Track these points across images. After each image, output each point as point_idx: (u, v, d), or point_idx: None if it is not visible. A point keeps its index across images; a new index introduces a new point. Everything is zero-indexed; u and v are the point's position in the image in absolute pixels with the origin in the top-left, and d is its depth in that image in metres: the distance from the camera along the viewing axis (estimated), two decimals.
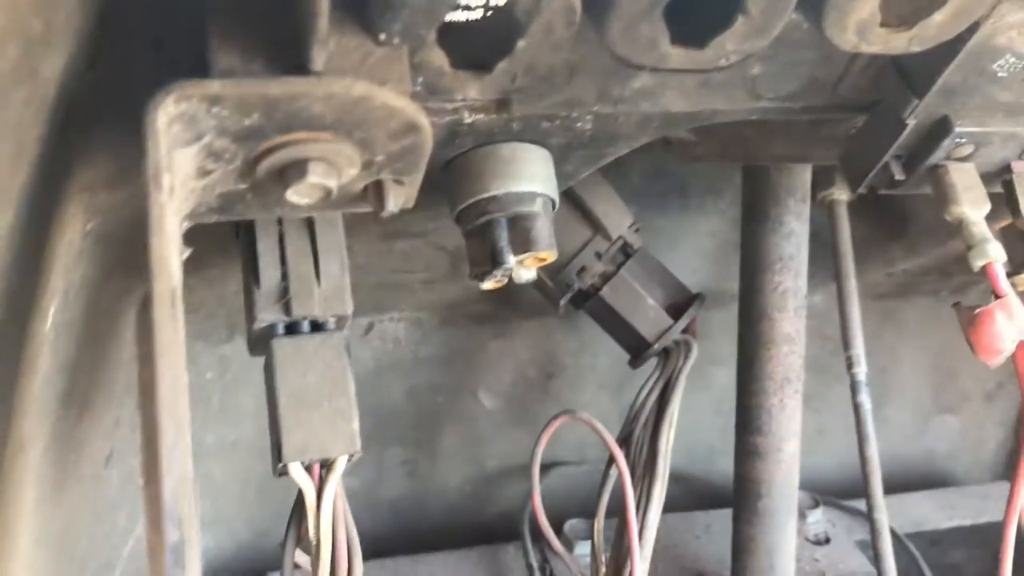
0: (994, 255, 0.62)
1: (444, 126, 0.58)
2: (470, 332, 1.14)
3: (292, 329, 0.61)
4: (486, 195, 0.61)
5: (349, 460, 0.61)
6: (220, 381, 1.01)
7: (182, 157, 0.42)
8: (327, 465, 0.61)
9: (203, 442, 1.02)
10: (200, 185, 0.45)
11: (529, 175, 0.62)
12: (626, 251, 0.94)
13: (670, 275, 0.97)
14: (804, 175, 0.88)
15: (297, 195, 0.45)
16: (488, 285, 0.66)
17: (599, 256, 0.92)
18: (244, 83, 0.39)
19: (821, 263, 1.07)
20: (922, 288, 1.26)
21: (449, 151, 0.61)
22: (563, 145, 0.64)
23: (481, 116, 0.58)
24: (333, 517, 0.61)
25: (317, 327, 0.61)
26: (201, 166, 0.44)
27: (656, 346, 0.94)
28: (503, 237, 0.62)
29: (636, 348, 0.96)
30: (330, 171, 0.45)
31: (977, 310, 0.64)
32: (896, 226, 1.11)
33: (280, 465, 0.60)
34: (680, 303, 0.95)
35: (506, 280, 0.65)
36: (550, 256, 0.64)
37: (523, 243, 0.62)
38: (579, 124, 0.61)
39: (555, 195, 0.64)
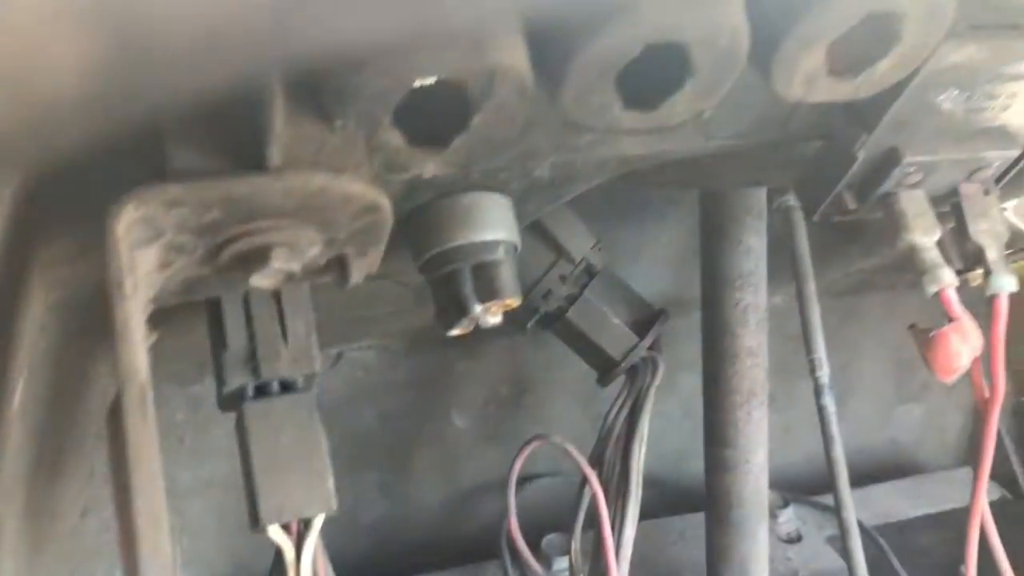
0: (947, 281, 0.64)
1: (403, 183, 0.58)
2: (439, 355, 1.14)
3: (261, 390, 0.61)
4: (449, 246, 0.62)
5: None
6: (192, 420, 1.01)
7: (143, 255, 0.42)
8: (305, 523, 0.61)
9: (178, 481, 1.02)
10: (163, 275, 0.45)
11: (490, 223, 0.63)
12: (590, 272, 0.95)
13: (634, 293, 0.98)
14: (760, 193, 0.89)
15: (260, 280, 0.45)
16: (455, 332, 0.66)
17: (563, 279, 0.93)
18: (202, 185, 0.39)
19: (779, 266, 1.08)
20: (879, 284, 1.28)
21: (409, 204, 0.62)
22: (522, 190, 0.64)
23: (440, 172, 0.59)
24: (313, 574, 0.61)
25: (286, 387, 0.61)
26: (163, 259, 0.44)
27: (623, 364, 0.95)
28: (468, 286, 0.63)
29: (604, 367, 0.97)
30: (292, 255, 0.45)
31: (932, 333, 0.66)
32: (851, 229, 1.13)
33: (258, 527, 0.60)
34: (645, 320, 0.97)
35: (473, 326, 0.66)
36: (515, 302, 0.65)
37: (488, 292, 0.63)
38: (537, 172, 0.62)
39: (517, 239, 0.65)
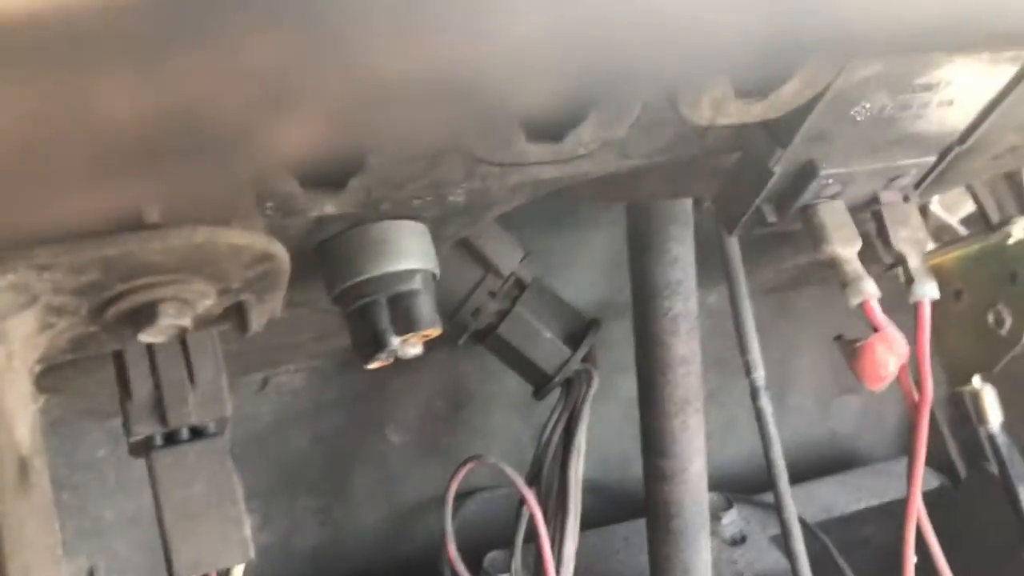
0: (869, 292, 0.64)
1: (308, 218, 0.56)
2: (371, 373, 1.11)
3: (171, 438, 0.59)
4: (361, 278, 0.60)
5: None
6: (113, 455, 0.97)
7: (19, 321, 0.39)
8: (223, 574, 0.59)
9: (103, 519, 0.98)
10: (45, 337, 0.43)
11: (405, 252, 0.61)
12: (519, 285, 0.93)
13: (565, 304, 0.97)
14: (684, 202, 0.89)
15: (151, 336, 0.43)
16: (374, 365, 0.64)
17: (492, 295, 0.92)
18: (72, 247, 0.37)
19: (713, 264, 1.08)
20: (812, 278, 1.29)
21: (318, 236, 0.60)
22: (438, 216, 0.63)
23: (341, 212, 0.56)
24: None
25: (197, 433, 0.59)
26: (43, 322, 0.41)
27: (557, 378, 0.94)
28: (384, 319, 0.61)
29: (538, 381, 0.96)
30: (183, 309, 0.43)
31: (857, 344, 0.66)
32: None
33: None
34: (577, 331, 0.96)
35: (393, 358, 0.64)
36: (435, 332, 0.63)
37: (405, 324, 0.61)
38: (451, 199, 0.60)
39: (435, 267, 0.63)
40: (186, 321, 0.43)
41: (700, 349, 0.93)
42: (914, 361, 0.72)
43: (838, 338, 0.68)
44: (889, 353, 0.65)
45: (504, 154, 0.46)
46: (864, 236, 0.68)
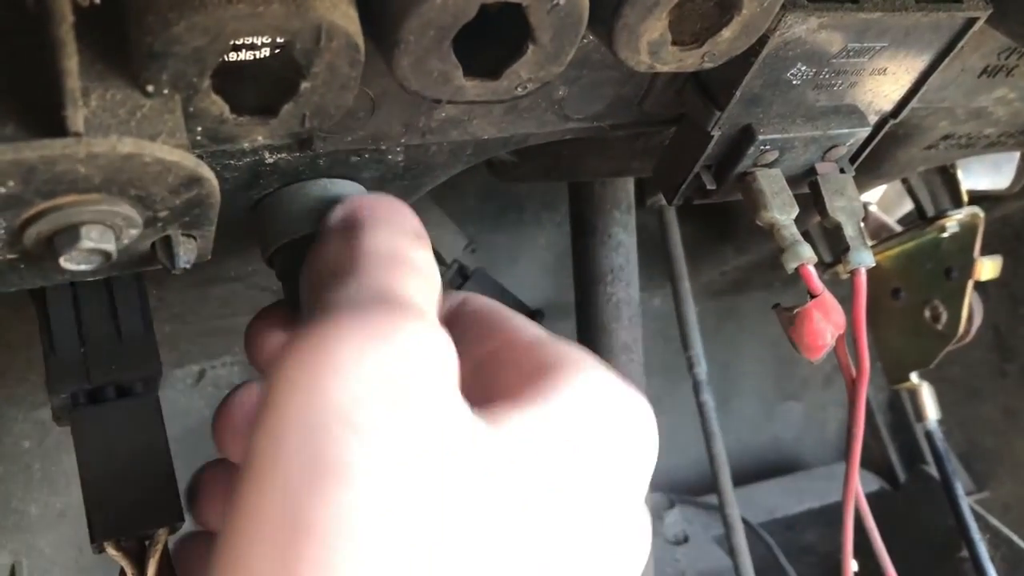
0: (806, 256, 0.64)
1: (244, 167, 0.55)
2: None
3: (96, 397, 0.57)
4: (292, 237, 0.59)
5: (173, 531, 0.57)
6: (39, 448, 0.94)
7: None
8: (149, 538, 0.57)
9: (27, 515, 0.94)
10: None
11: None
12: (463, 273, 0.93)
13: (509, 294, 0.97)
14: (627, 186, 0.89)
15: (72, 262, 0.41)
16: None
17: None
18: None
19: (657, 267, 1.09)
20: (755, 282, 1.31)
21: (254, 192, 0.59)
22: (377, 178, 0.62)
23: (284, 155, 0.56)
24: None
25: (124, 392, 0.57)
26: None
27: None
28: None
29: None
30: (106, 233, 0.41)
31: (795, 311, 0.66)
32: (724, 226, 1.15)
33: (95, 545, 0.55)
34: None
35: None
36: None
37: None
38: (390, 156, 0.59)
39: None
40: (110, 246, 0.41)
41: (642, 338, 0.93)
42: (851, 336, 0.72)
43: (776, 306, 0.68)
44: (826, 321, 0.65)
45: (440, 89, 0.46)
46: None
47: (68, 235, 0.41)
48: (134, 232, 0.43)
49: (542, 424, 0.41)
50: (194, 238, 0.46)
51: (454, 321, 0.51)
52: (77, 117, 0.37)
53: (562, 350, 0.46)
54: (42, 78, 0.38)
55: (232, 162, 0.54)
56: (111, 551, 0.55)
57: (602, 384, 0.43)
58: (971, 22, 0.59)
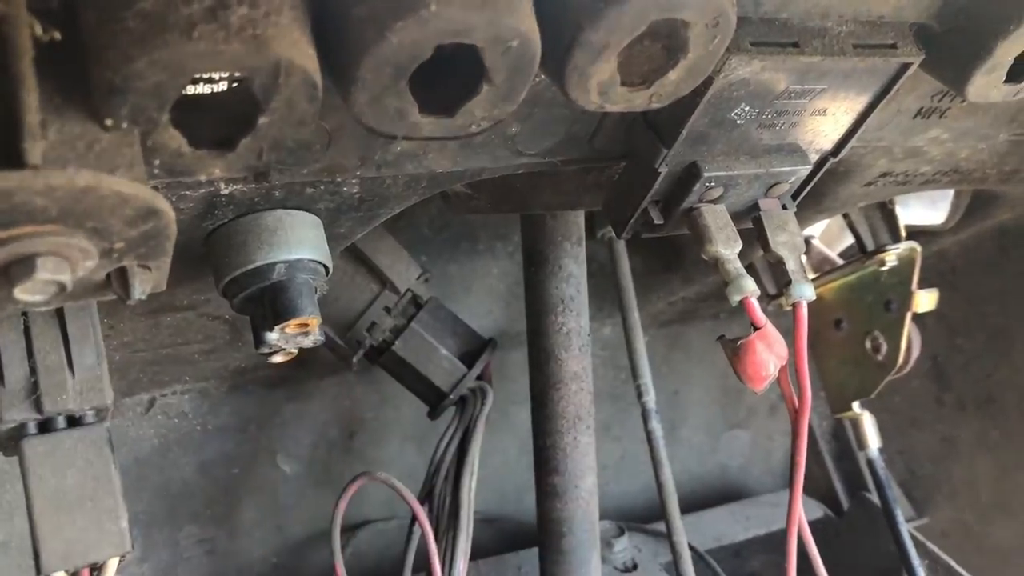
0: (749, 289, 0.66)
1: (200, 198, 0.56)
2: (262, 397, 1.10)
3: (46, 427, 0.56)
4: (250, 267, 0.59)
5: (122, 560, 0.57)
6: None
7: None
8: (97, 569, 0.56)
9: None
10: None
11: (292, 242, 0.60)
12: (416, 303, 0.94)
13: (462, 323, 0.98)
14: (578, 219, 0.91)
15: (27, 293, 0.42)
16: (278, 359, 0.63)
17: (388, 311, 0.92)
18: None
19: (607, 297, 1.10)
20: (702, 313, 1.33)
21: (209, 223, 0.59)
22: (332, 209, 0.63)
23: (239, 187, 0.56)
24: None
25: (74, 422, 0.57)
26: None
27: (452, 395, 0.94)
28: (260, 311, 0.60)
29: (433, 399, 0.95)
30: (62, 265, 0.42)
31: (739, 342, 0.68)
32: (672, 258, 1.17)
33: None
34: (473, 350, 0.96)
35: (294, 351, 0.63)
36: (313, 320, 0.61)
37: (275, 314, 0.60)
38: (345, 188, 0.60)
39: (324, 258, 0.63)
40: (65, 277, 0.42)
41: (591, 367, 0.95)
42: (793, 367, 0.74)
43: (721, 338, 0.70)
44: (769, 352, 0.67)
45: (396, 126, 0.47)
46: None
47: (24, 266, 0.41)
48: (90, 264, 0.43)
49: None
50: (149, 269, 0.46)
51: None
52: (35, 150, 0.38)
53: None
54: (1, 111, 0.38)
55: (188, 192, 0.54)
56: None
57: None
58: (905, 67, 0.61)
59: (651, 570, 1.18)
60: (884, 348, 1.10)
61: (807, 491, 1.05)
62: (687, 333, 1.39)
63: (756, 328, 0.67)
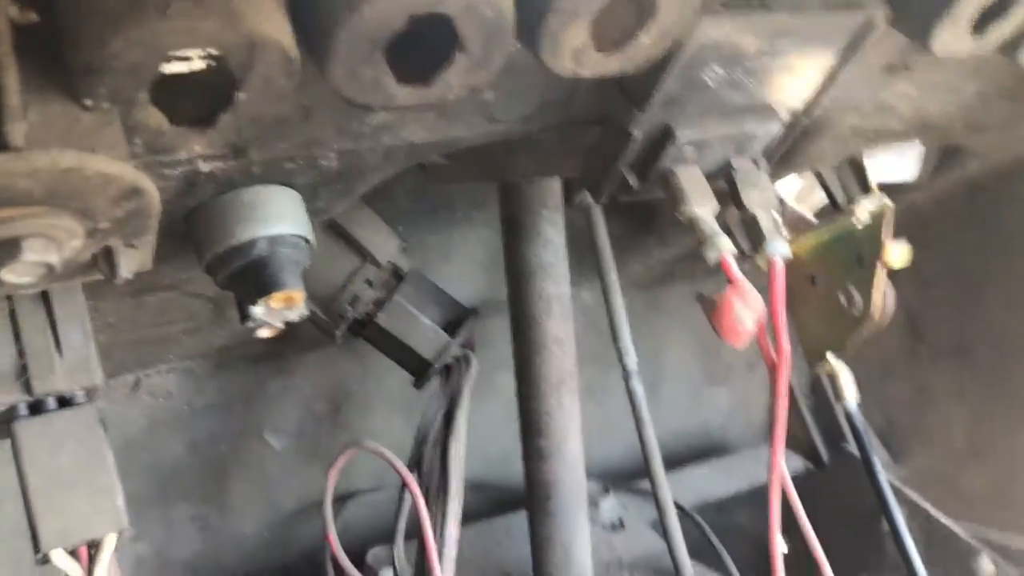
0: (725, 247, 0.67)
1: (180, 177, 0.56)
2: (248, 374, 1.10)
3: (37, 408, 0.57)
4: (233, 242, 0.60)
5: (119, 537, 0.58)
6: None
7: None
8: (95, 545, 0.57)
9: None
10: None
11: (271, 216, 0.60)
12: (397, 274, 0.94)
13: (443, 293, 0.98)
14: (555, 186, 0.92)
15: (14, 275, 0.42)
16: (264, 333, 0.64)
17: (370, 283, 0.92)
18: None
19: (586, 262, 1.11)
20: (679, 274, 1.34)
21: (189, 200, 0.59)
22: (310, 183, 0.63)
23: (219, 164, 0.56)
24: None
25: (65, 402, 0.57)
26: None
27: (437, 364, 0.95)
28: (243, 287, 0.61)
29: (418, 369, 0.96)
30: (49, 246, 0.42)
31: (716, 298, 0.69)
32: (647, 221, 1.18)
33: (39, 555, 0.56)
34: (456, 319, 0.97)
35: (280, 326, 0.64)
36: (297, 295, 0.62)
37: (258, 288, 0.60)
38: (323, 162, 0.61)
39: (307, 233, 0.63)
40: (52, 258, 0.42)
41: (573, 331, 0.96)
42: (771, 323, 0.76)
43: (699, 295, 0.71)
44: (745, 307, 0.69)
45: (373, 96, 0.48)
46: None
47: (10, 248, 0.41)
48: (76, 244, 0.44)
49: None
50: (134, 247, 0.47)
51: None
52: (18, 132, 0.38)
53: None
54: None
55: (168, 171, 0.55)
56: (58, 559, 0.55)
57: None
58: (871, 22, 0.62)
59: (638, 527, 1.20)
60: (858, 301, 1.11)
61: (788, 445, 1.06)
62: (665, 294, 1.40)
63: (732, 284, 0.68)
